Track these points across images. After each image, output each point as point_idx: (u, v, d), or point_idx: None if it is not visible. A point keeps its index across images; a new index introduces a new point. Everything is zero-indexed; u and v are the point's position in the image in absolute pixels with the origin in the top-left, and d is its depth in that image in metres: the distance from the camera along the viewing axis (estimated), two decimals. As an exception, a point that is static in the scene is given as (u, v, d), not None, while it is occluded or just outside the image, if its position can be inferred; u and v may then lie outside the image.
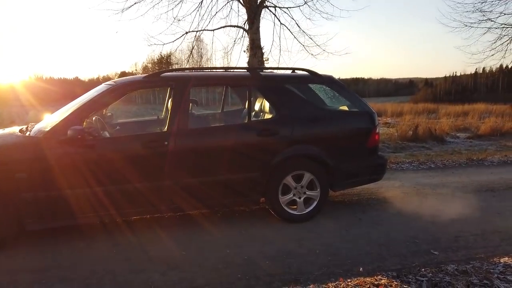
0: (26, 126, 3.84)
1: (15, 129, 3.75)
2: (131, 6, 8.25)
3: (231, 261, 3.02)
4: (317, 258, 3.07)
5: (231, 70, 4.89)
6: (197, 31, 8.98)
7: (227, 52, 9.81)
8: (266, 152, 3.68)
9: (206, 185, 3.55)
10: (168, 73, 3.78)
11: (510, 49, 12.07)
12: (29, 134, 3.45)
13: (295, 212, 3.78)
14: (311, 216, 3.81)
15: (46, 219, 3.25)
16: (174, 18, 8.51)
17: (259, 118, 4.28)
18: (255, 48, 8.25)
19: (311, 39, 9.25)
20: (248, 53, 8.76)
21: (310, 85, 4.25)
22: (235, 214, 4.06)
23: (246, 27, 8.60)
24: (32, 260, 3.05)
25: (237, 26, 8.89)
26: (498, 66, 67.98)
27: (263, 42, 8.70)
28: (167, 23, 8.61)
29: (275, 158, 3.66)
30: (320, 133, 3.87)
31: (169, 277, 2.78)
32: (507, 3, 11.32)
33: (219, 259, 3.06)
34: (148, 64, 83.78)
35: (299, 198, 3.78)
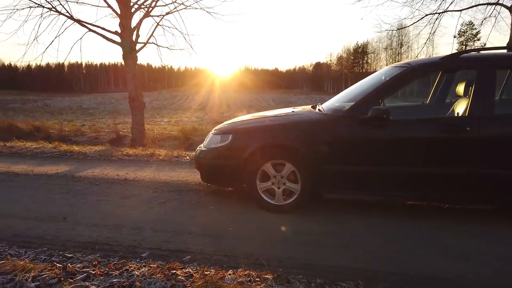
0: (314, 105, 4.28)
1: (308, 107, 4.23)
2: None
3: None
4: None
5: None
6: (439, 13, 8.28)
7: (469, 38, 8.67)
8: None
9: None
10: (468, 54, 3.51)
11: None
12: (322, 112, 3.79)
13: None
14: None
15: (340, 190, 3.53)
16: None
17: None
18: (520, 27, 7.01)
19: None
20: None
21: None
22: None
23: (508, 3, 7.38)
24: (317, 224, 3.37)
25: (497, 4, 7.69)
26: None
27: None
28: (412, 8, 8.27)
29: None
30: None
31: (462, 268, 2.59)
32: None
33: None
34: (343, 54, 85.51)
35: None
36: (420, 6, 8.12)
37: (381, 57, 76.05)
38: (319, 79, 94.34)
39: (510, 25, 7.04)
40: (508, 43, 7.23)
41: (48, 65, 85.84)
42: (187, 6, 9.07)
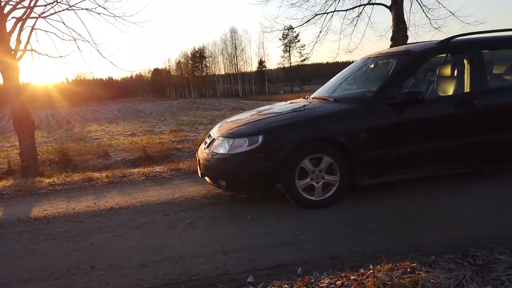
0: (306, 96, 4.44)
1: (310, 99, 4.38)
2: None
3: None
4: None
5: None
6: (327, 13, 9.37)
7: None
8: None
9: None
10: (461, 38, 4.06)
11: None
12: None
13: None
14: None
15: (376, 175, 3.72)
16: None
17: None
18: (400, 23, 8.60)
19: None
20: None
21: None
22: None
23: (388, 3, 8.84)
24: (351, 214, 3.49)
25: (380, 4, 9.08)
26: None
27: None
28: (297, 8, 9.13)
29: None
30: None
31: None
32: None
33: None
34: (181, 59, 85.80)
35: None
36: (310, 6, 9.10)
37: (219, 60, 79.63)
38: (160, 86, 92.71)
39: (392, 21, 8.49)
40: (391, 37, 8.71)
41: None
42: (71, 6, 7.51)
